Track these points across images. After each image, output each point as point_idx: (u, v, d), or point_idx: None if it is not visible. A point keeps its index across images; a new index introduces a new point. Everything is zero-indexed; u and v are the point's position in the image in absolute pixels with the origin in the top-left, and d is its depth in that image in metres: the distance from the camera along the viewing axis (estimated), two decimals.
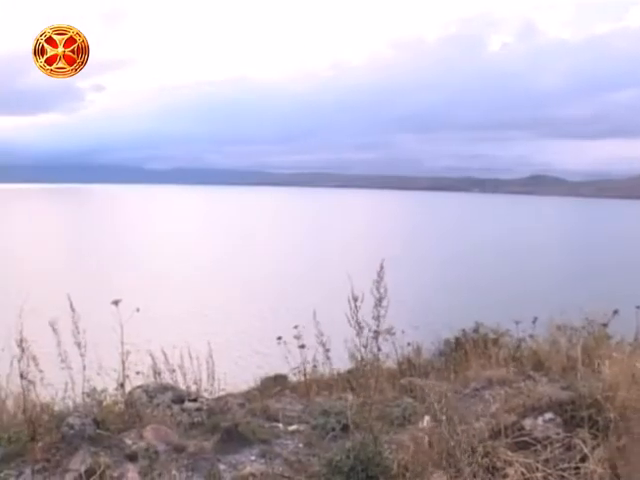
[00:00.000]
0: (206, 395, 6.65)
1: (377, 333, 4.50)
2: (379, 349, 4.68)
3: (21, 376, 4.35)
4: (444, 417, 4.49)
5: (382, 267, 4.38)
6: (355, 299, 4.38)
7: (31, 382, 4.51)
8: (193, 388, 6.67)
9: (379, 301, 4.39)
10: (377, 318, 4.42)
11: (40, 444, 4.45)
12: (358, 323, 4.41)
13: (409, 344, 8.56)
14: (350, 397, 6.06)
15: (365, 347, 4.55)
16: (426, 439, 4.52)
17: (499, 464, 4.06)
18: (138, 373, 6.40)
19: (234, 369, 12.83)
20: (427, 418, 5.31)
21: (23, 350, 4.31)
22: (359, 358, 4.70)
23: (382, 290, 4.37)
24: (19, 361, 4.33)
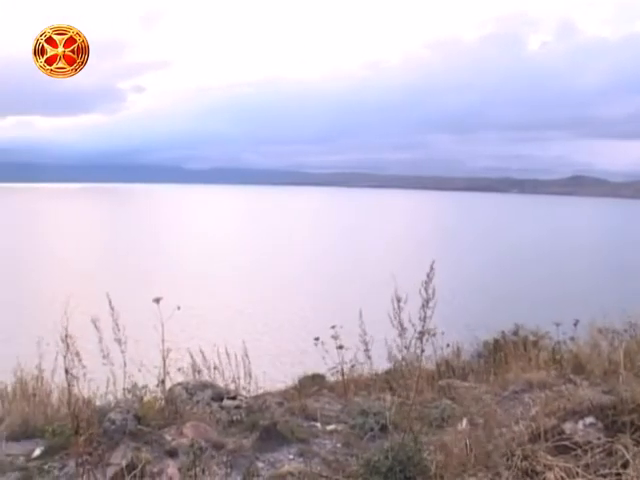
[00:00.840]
0: (244, 393, 6.69)
1: (422, 334, 4.46)
2: (422, 350, 4.64)
3: (66, 371, 4.43)
4: (482, 420, 4.46)
5: (432, 268, 4.34)
6: (398, 300, 4.36)
7: (75, 377, 4.59)
8: (232, 386, 6.72)
9: (426, 302, 4.35)
10: (423, 319, 4.38)
11: (82, 438, 4.53)
12: (401, 324, 4.38)
13: (448, 345, 8.50)
14: (389, 397, 6.05)
15: (407, 348, 4.52)
16: (464, 441, 4.48)
17: (538, 468, 4.00)
18: (179, 370, 6.48)
19: (271, 368, 12.89)
20: (465, 420, 5.28)
21: (68, 346, 4.38)
22: (400, 359, 4.68)
23: (430, 291, 4.34)
24: (65, 356, 4.41)
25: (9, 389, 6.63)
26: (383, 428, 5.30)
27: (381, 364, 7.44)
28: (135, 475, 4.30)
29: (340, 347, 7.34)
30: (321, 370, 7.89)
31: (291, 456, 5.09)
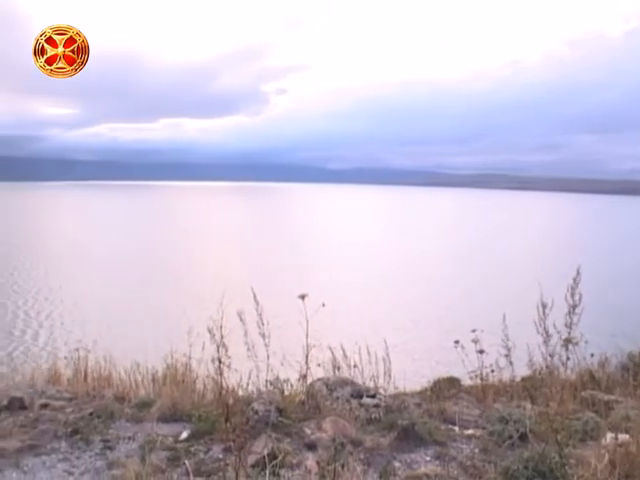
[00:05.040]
0: (382, 392, 6.71)
1: (567, 342, 4.31)
2: (568, 358, 4.48)
3: (219, 361, 4.64)
4: (628, 436, 4.24)
5: (578, 273, 4.20)
6: (544, 305, 4.24)
7: (226, 365, 4.79)
8: (370, 384, 6.76)
9: (572, 308, 4.20)
10: (569, 326, 4.23)
11: (227, 425, 4.72)
12: (546, 330, 4.26)
13: (592, 355, 8.12)
14: (529, 405, 5.88)
15: (552, 356, 4.39)
16: (607, 457, 4.27)
17: None
18: (318, 365, 6.59)
19: (408, 368, 12.86)
20: (610, 435, 5.03)
21: (222, 337, 4.59)
22: (544, 366, 4.54)
23: (576, 297, 4.18)
24: (218, 346, 4.61)
25: (160, 374, 7.02)
26: (522, 437, 5.16)
27: (519, 370, 7.22)
28: (275, 465, 4.43)
29: (481, 352, 7.20)
30: (456, 373, 7.77)
31: (428, 458, 5.06)
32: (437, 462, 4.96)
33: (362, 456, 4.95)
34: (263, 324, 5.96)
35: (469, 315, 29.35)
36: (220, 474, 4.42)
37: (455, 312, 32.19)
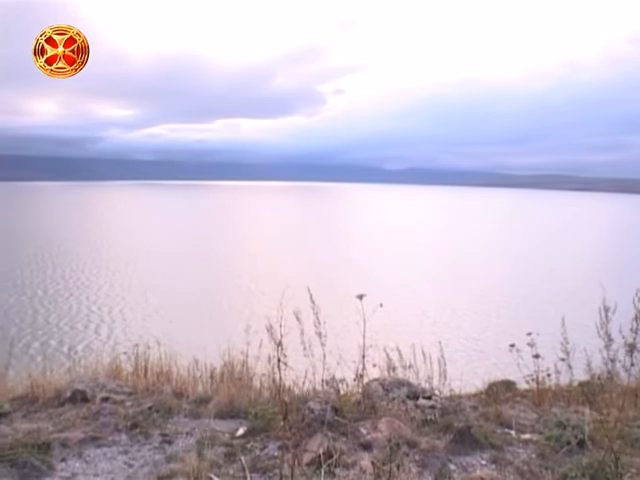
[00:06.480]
0: (437, 393, 6.67)
1: (632, 347, 4.21)
2: (632, 364, 4.38)
3: (278, 359, 4.69)
4: None
5: None
6: (606, 309, 4.15)
7: (283, 364, 4.84)
8: (426, 386, 6.72)
9: None
10: (635, 331, 4.13)
11: (282, 423, 4.77)
12: (608, 335, 4.17)
13: None
14: (587, 411, 5.76)
15: (613, 361, 4.30)
16: None
17: None
18: (373, 366, 6.58)
19: (463, 370, 12.74)
20: None
21: (281, 336, 4.64)
22: (605, 371, 4.45)
23: None
24: (278, 345, 4.67)
25: (217, 371, 7.13)
26: (581, 443, 5.06)
27: (576, 375, 7.08)
28: (330, 464, 4.45)
29: (536, 356, 7.09)
30: (511, 376, 7.67)
31: (483, 462, 5.01)
32: (493, 466, 4.90)
33: (417, 457, 4.93)
34: (320, 323, 5.99)
35: (525, 317, 28.98)
36: (276, 471, 4.46)
37: (511, 314, 31.83)
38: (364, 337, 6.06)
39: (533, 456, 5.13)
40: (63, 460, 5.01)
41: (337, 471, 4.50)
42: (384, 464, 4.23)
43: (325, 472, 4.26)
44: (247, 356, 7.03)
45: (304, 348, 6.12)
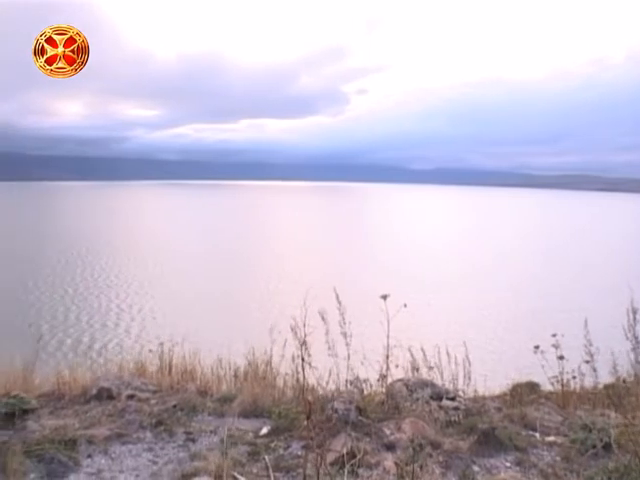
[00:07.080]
0: (461, 394, 6.63)
1: None
2: None
3: (302, 359, 4.70)
4: None
5: None
6: (634, 311, 4.10)
7: (307, 363, 4.85)
8: (449, 387, 6.68)
9: None
10: None
11: (306, 422, 4.77)
12: (635, 337, 4.12)
13: None
14: (613, 414, 5.69)
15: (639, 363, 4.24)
16: None
17: None
18: (397, 366, 6.56)
19: (487, 371, 12.65)
20: None
21: (305, 336, 4.65)
22: (632, 374, 4.39)
23: None
24: (302, 345, 4.68)
25: (241, 370, 7.15)
26: (606, 446, 4.99)
27: (602, 377, 6.99)
28: (354, 464, 4.44)
29: (561, 357, 7.02)
30: (536, 377, 7.59)
31: (508, 464, 4.97)
32: (517, 468, 4.87)
33: (441, 459, 4.91)
34: (345, 323, 5.99)
35: (550, 318, 28.72)
36: (299, 471, 4.47)
37: (536, 315, 31.56)
38: (388, 337, 6.05)
39: (558, 459, 5.08)
40: (89, 456, 5.07)
41: (360, 471, 4.50)
42: (407, 465, 4.21)
43: (348, 472, 4.25)
44: (271, 355, 7.04)
45: (328, 348, 6.12)
